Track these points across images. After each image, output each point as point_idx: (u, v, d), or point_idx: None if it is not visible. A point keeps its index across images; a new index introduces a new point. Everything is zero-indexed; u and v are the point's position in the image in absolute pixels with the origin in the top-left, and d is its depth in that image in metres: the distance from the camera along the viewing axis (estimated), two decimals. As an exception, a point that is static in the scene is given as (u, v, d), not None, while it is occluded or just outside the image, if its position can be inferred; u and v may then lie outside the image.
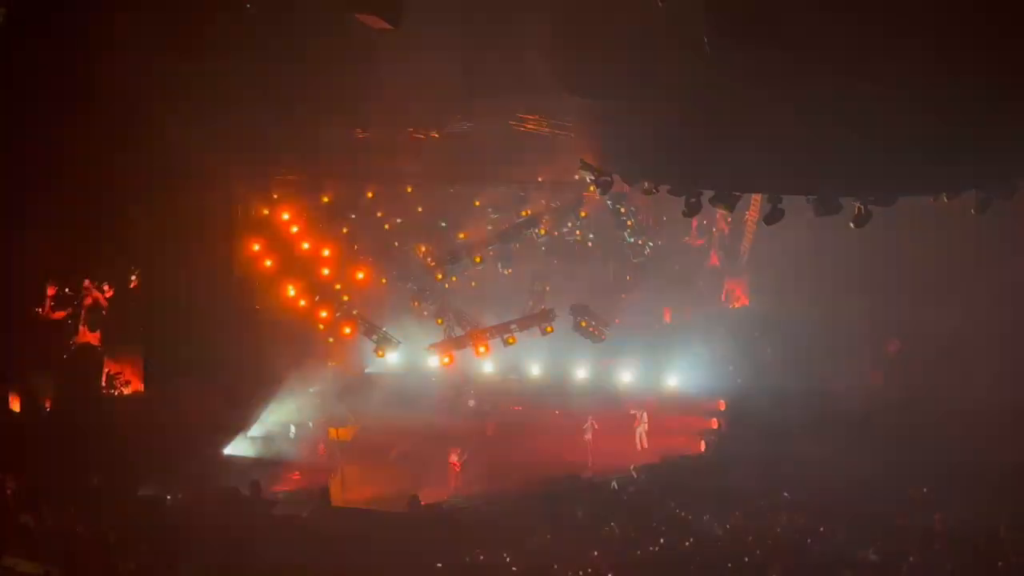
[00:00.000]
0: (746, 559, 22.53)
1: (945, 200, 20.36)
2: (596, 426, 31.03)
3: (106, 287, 27.47)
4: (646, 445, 31.68)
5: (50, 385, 26.91)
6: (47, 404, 26.78)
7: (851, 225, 20.23)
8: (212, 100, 25.04)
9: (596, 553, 23.61)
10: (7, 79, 22.91)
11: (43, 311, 26.65)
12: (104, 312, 27.62)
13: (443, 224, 36.27)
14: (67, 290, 26.99)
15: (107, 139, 24.44)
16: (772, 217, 20.56)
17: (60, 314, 26.99)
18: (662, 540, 24.03)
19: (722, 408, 33.64)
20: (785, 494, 26.56)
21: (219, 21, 25.66)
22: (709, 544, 23.63)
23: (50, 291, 26.76)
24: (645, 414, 31.99)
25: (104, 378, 28.02)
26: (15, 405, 26.35)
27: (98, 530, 23.17)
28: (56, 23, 23.49)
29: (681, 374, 34.18)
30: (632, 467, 29.59)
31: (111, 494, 24.87)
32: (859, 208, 19.97)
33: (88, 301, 27.36)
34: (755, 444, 29.74)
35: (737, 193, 20.64)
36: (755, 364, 33.17)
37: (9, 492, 23.61)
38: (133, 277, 27.91)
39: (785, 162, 18.19)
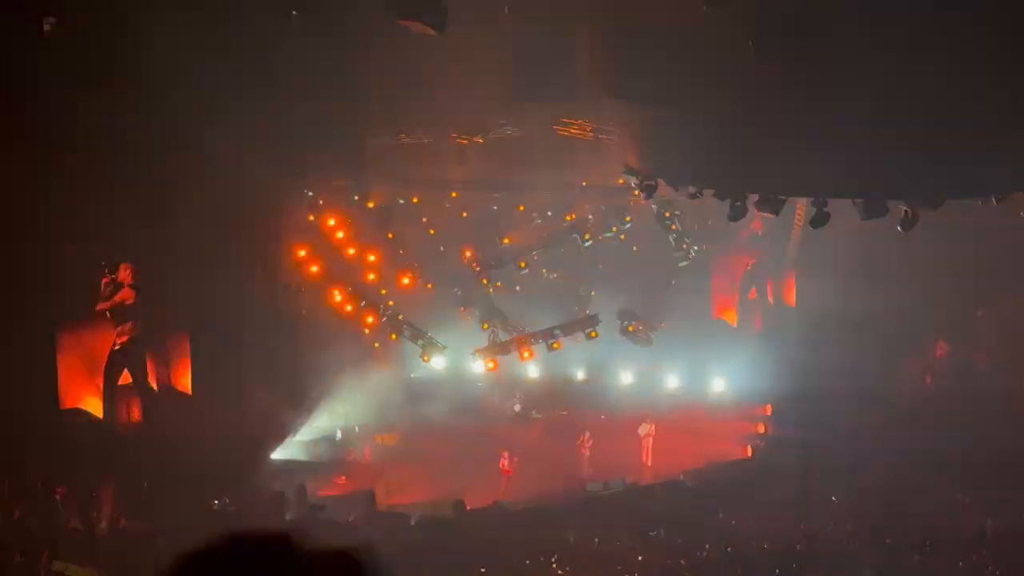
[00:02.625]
0: (793, 565, 22.40)
1: (994, 203, 20.18)
2: (590, 442, 30.98)
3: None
4: (649, 462, 31.33)
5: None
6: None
7: (899, 228, 20.10)
8: (256, 104, 25.16)
9: (641, 558, 23.57)
10: (54, 85, 23.20)
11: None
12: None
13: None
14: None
15: (148, 142, 24.60)
16: (818, 220, 20.44)
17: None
18: (707, 545, 23.95)
19: (769, 412, 33.44)
20: (833, 499, 26.40)
21: (263, 25, 25.81)
22: (755, 549, 23.51)
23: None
24: (652, 426, 31.43)
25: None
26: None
27: (148, 535, 23.37)
28: (100, 24, 23.76)
29: (728, 377, 34.00)
30: (680, 473, 29.55)
31: (160, 498, 25.09)
32: (906, 211, 19.83)
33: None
34: (802, 449, 29.59)
35: (783, 197, 20.55)
36: (802, 367, 32.88)
37: (59, 497, 23.85)
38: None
39: (831, 165, 18.07)
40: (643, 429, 31.16)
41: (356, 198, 33.43)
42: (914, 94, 16.91)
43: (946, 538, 23.36)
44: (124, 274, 26.62)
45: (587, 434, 31.24)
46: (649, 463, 31.01)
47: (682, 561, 23.28)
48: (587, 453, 31.01)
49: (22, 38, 22.93)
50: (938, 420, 29.87)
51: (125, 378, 27.05)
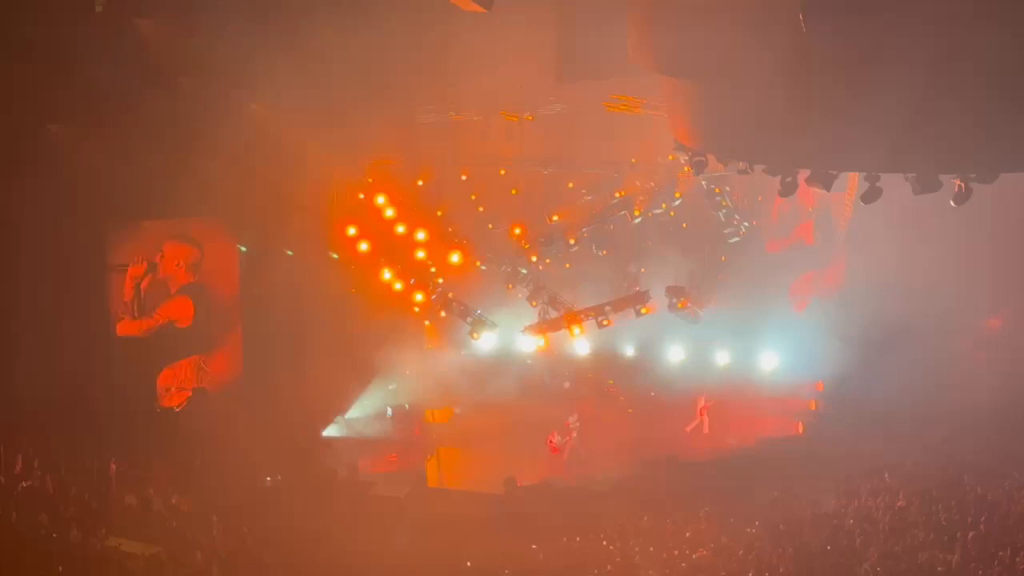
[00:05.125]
0: (844, 542, 22.26)
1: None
2: (577, 427, 30.49)
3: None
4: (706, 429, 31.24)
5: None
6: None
7: (951, 203, 19.87)
8: (306, 83, 25.26)
9: (689, 535, 23.54)
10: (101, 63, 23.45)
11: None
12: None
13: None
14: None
15: (195, 121, 24.77)
16: (870, 195, 20.25)
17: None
18: (757, 522, 23.87)
19: (820, 389, 33.22)
20: (886, 476, 26.21)
21: (312, 5, 25.89)
22: (806, 526, 23.40)
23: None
24: (703, 400, 31.39)
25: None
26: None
27: (201, 510, 23.61)
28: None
29: (780, 353, 33.77)
30: (731, 450, 29.48)
31: (214, 475, 25.35)
32: (959, 185, 19.59)
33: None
34: (854, 426, 29.35)
35: (834, 172, 20.35)
36: (854, 342, 32.61)
37: (113, 473, 24.14)
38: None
39: (883, 139, 17.90)
40: (700, 403, 31.19)
41: (406, 176, 33.50)
42: (969, 67, 16.71)
43: (1002, 515, 23.10)
44: (175, 253, 26.94)
45: (574, 416, 30.38)
46: (706, 431, 31.04)
47: (732, 538, 23.22)
48: (575, 438, 30.31)
49: (74, 16, 23.20)
50: (993, 396, 29.51)
51: (179, 355, 27.36)
